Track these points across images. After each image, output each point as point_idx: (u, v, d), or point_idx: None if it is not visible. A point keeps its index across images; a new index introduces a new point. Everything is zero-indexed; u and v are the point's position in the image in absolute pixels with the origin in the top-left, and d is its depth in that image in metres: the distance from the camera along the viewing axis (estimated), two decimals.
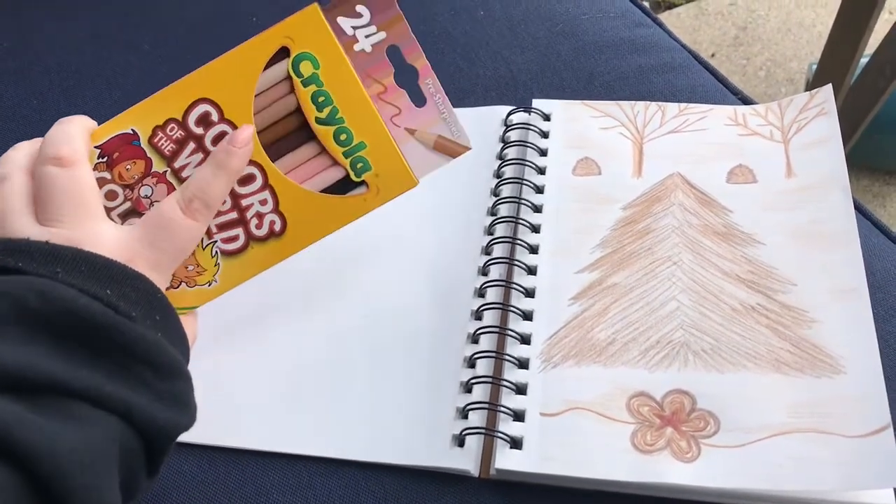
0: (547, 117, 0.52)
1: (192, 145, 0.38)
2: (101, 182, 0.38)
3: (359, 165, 0.38)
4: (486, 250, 0.47)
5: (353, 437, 0.42)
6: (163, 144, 0.38)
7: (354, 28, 0.38)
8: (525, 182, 0.49)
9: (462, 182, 0.51)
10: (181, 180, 0.38)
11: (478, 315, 0.45)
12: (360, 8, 0.38)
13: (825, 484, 0.36)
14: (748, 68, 1.36)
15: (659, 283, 0.44)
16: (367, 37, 0.39)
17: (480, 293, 0.46)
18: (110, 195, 0.38)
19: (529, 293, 0.45)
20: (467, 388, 0.42)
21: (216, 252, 0.39)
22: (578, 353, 0.42)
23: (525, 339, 0.43)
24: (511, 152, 0.51)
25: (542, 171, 0.50)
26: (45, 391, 0.28)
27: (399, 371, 0.44)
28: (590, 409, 0.40)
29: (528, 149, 0.50)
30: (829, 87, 0.49)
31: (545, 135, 0.51)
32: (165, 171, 0.38)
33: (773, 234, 0.45)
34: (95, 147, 0.38)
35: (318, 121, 0.38)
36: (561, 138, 0.51)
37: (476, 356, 0.43)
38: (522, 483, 0.39)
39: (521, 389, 0.41)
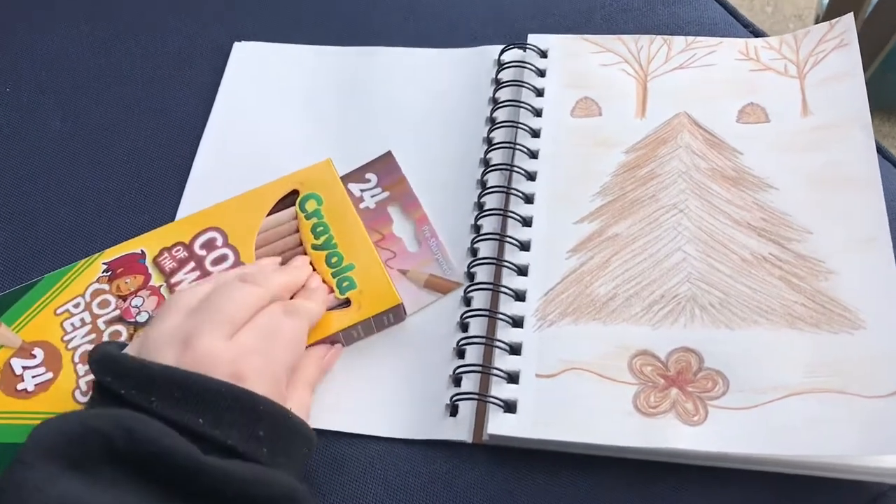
0: (543, 54, 0.48)
1: (192, 264, 0.42)
2: (98, 293, 0.42)
3: (344, 284, 0.41)
4: (479, 203, 0.44)
5: (342, 410, 0.39)
6: (165, 263, 0.42)
7: (362, 190, 0.45)
8: (520, 125, 0.45)
9: (453, 130, 0.47)
10: None
11: (469, 273, 0.42)
12: (368, 175, 0.46)
13: (843, 448, 0.33)
14: (755, 2, 1.30)
15: (664, 232, 0.41)
16: (372, 196, 0.45)
17: (472, 248, 0.42)
18: (103, 304, 0.42)
19: (524, 246, 0.42)
20: (459, 351, 0.40)
21: None
22: (576, 309, 0.39)
23: (520, 296, 0.40)
24: (504, 94, 0.47)
25: (538, 112, 0.46)
26: None
27: (388, 335, 0.41)
28: (589, 369, 0.37)
29: (524, 89, 0.47)
30: (850, 17, 0.45)
31: (542, 73, 0.48)
32: (161, 286, 0.42)
33: (787, 177, 0.41)
34: (103, 263, 0.42)
35: (314, 247, 0.42)
36: (558, 77, 0.47)
37: (466, 315, 0.40)
38: (517, 448, 0.37)
39: (515, 350, 0.39)
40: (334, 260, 0.41)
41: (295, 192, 0.43)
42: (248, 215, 0.43)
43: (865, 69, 1.01)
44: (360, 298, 0.40)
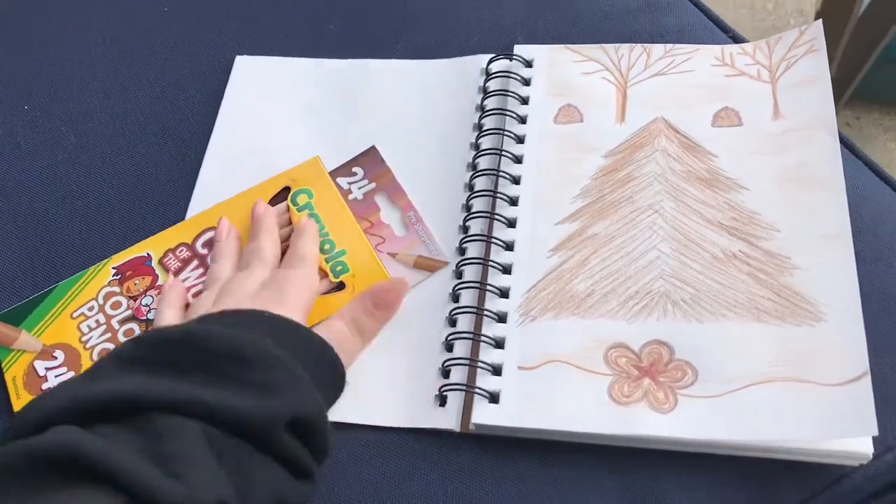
0: (529, 64, 0.51)
1: (195, 262, 0.46)
2: (110, 295, 0.45)
3: (338, 269, 0.45)
4: (467, 205, 0.46)
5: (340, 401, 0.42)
6: (170, 263, 0.46)
7: (350, 183, 0.48)
8: (506, 133, 0.48)
9: (441, 137, 0.50)
10: None
11: (458, 272, 0.44)
12: (355, 168, 0.49)
13: (803, 433, 0.36)
14: (756, 0, 1.31)
15: (639, 232, 0.43)
16: (360, 188, 0.48)
17: (461, 249, 0.45)
18: (115, 305, 0.45)
19: (509, 246, 0.44)
20: (448, 345, 0.42)
21: None
22: (557, 305, 0.41)
23: (504, 293, 0.43)
24: (491, 102, 0.50)
25: (523, 120, 0.48)
26: (130, 412, 0.30)
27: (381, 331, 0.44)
28: (567, 361, 0.40)
29: (509, 98, 0.49)
30: (818, 23, 0.47)
31: (527, 82, 0.50)
32: None
33: (757, 178, 0.43)
34: (112, 268, 0.46)
35: None
36: (543, 85, 0.50)
37: (455, 312, 0.43)
38: (503, 437, 0.40)
39: (499, 344, 0.41)
40: (326, 247, 0.45)
41: (287, 189, 0.47)
42: (244, 213, 0.47)
43: (863, 63, 1.03)
44: (354, 281, 0.44)
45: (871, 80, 1.06)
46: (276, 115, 0.52)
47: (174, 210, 0.49)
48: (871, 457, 0.36)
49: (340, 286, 0.44)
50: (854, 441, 0.36)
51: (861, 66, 1.03)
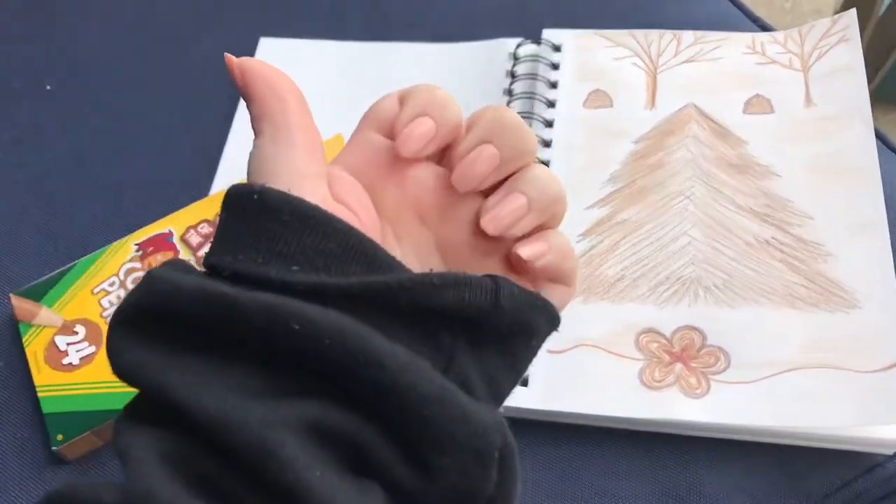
0: (557, 48, 0.50)
1: None
2: (131, 271, 0.45)
3: None
4: None
5: None
6: (192, 239, 0.45)
7: None
8: (534, 117, 0.47)
9: None
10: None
11: None
12: None
13: (837, 420, 0.35)
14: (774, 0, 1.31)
15: (670, 217, 0.43)
16: None
17: None
18: (136, 280, 0.43)
19: None
20: None
21: None
22: (587, 289, 0.41)
23: None
24: (519, 86, 0.49)
25: (551, 104, 0.48)
26: None
27: None
28: (597, 345, 0.39)
29: (538, 82, 0.49)
30: (852, 12, 0.47)
31: (555, 67, 0.50)
32: (189, 259, 0.44)
33: (789, 166, 0.43)
34: (134, 244, 0.46)
35: None
36: (571, 70, 0.49)
37: None
38: (530, 420, 0.39)
39: None
40: None
41: None
42: None
43: (883, 65, 1.03)
44: None
45: (889, 81, 1.05)
46: None
47: (197, 191, 0.49)
48: None
49: None
50: (888, 429, 0.36)
51: (880, 68, 1.02)
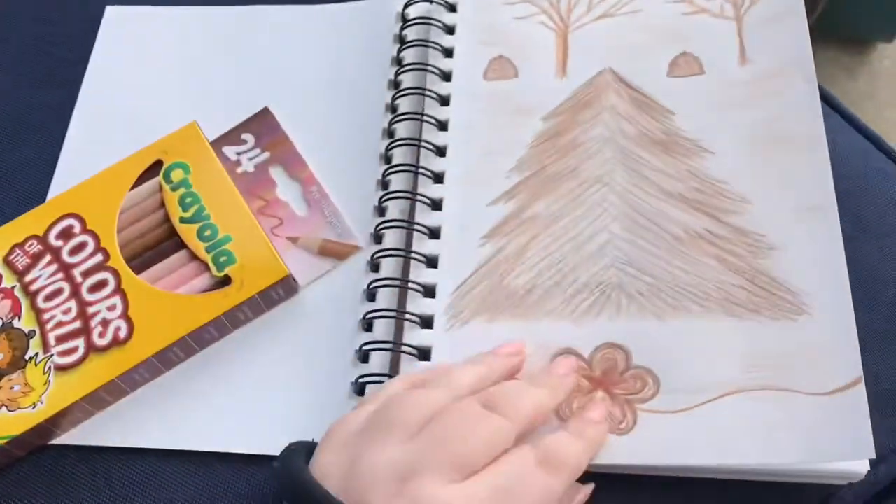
0: (453, 7, 0.43)
1: (48, 258, 0.38)
2: None
3: (222, 259, 0.37)
4: (383, 182, 0.39)
5: (247, 431, 0.36)
6: (17, 260, 0.38)
7: (238, 153, 0.41)
8: (427, 93, 0.40)
9: (350, 97, 0.42)
10: (29, 294, 0.37)
11: (374, 264, 0.37)
12: (244, 135, 0.42)
13: (783, 456, 0.30)
14: None
15: (587, 210, 0.36)
16: (250, 159, 0.41)
17: (377, 236, 0.38)
18: None
19: (434, 233, 0.37)
20: (362, 356, 0.35)
21: (49, 368, 0.36)
22: (492, 305, 0.35)
23: (429, 292, 0.36)
24: (409, 55, 0.42)
25: (447, 76, 0.41)
26: None
27: (285, 341, 0.37)
28: None
29: (431, 50, 0.41)
30: None
31: (451, 30, 0.42)
32: (14, 287, 0.37)
33: (723, 139, 0.37)
34: None
35: (182, 220, 0.38)
36: (469, 33, 0.42)
37: (370, 315, 0.36)
38: None
39: (425, 355, 0.35)
40: (207, 233, 0.37)
41: (160, 163, 0.39)
42: (107, 195, 0.39)
43: None
44: (242, 274, 0.36)
45: (828, 15, 0.98)
46: (152, 71, 0.44)
47: (33, 185, 0.42)
48: (863, 476, 0.30)
49: (226, 281, 0.36)
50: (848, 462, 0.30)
51: (817, 1, 0.95)
